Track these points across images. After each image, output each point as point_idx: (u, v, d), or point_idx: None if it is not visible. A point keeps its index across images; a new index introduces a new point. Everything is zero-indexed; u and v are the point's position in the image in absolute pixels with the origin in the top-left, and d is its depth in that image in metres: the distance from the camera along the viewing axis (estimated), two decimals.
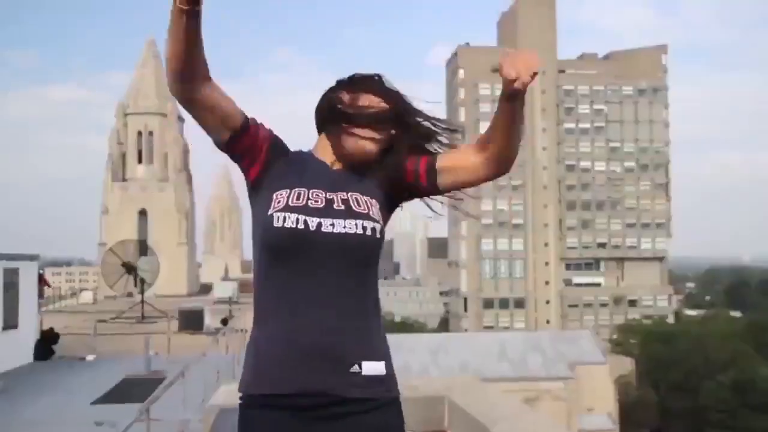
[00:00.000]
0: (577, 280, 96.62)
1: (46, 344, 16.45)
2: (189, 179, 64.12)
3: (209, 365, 10.00)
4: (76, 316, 24.57)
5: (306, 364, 1.76)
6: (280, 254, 1.81)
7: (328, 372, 1.76)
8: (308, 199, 1.83)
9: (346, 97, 1.96)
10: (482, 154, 1.88)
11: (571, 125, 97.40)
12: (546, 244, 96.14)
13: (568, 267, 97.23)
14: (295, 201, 1.82)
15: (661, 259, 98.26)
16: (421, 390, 5.49)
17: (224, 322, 22.32)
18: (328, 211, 1.82)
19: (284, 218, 1.79)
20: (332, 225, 1.80)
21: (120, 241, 30.52)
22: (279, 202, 1.82)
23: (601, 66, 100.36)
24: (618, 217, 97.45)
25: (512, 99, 1.75)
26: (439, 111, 2.03)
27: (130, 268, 27.25)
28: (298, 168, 1.91)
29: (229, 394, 4.95)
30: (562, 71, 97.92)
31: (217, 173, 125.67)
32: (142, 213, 60.43)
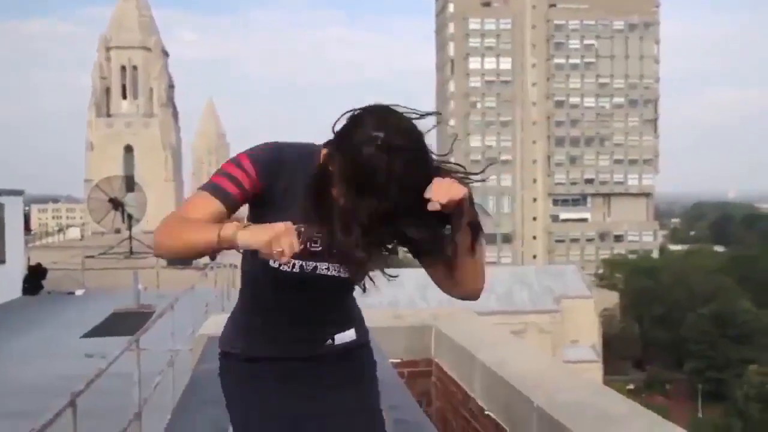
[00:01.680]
0: (564, 215, 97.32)
1: (35, 279, 16.46)
2: (175, 115, 63.45)
3: (198, 298, 10.03)
4: (64, 252, 24.55)
5: (287, 343, 1.93)
6: (274, 282, 1.88)
7: (305, 348, 1.93)
8: (309, 241, 1.81)
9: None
10: (452, 287, 1.83)
11: (561, 61, 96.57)
12: (534, 180, 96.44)
13: (555, 203, 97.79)
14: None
15: (647, 195, 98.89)
16: (408, 320, 5.53)
17: (212, 257, 22.32)
18: (324, 254, 1.83)
19: (279, 266, 1.84)
20: (327, 269, 1.85)
21: (106, 177, 30.28)
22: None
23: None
24: (606, 153, 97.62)
25: (457, 217, 1.69)
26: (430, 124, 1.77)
27: (117, 204, 27.13)
28: (297, 192, 1.79)
29: (217, 324, 4.96)
30: (553, 5, 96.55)
31: (203, 109, 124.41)
32: (128, 149, 59.95)
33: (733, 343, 56.65)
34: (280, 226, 1.52)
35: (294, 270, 1.82)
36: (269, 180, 1.74)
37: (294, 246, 1.51)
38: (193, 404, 3.19)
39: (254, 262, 1.82)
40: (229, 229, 1.56)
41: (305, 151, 1.78)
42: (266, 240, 1.51)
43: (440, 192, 1.60)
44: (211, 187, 1.71)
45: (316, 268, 1.83)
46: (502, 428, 3.77)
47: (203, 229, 1.60)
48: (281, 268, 1.82)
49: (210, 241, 1.57)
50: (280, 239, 1.51)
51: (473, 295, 1.84)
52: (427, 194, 1.60)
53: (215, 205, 1.69)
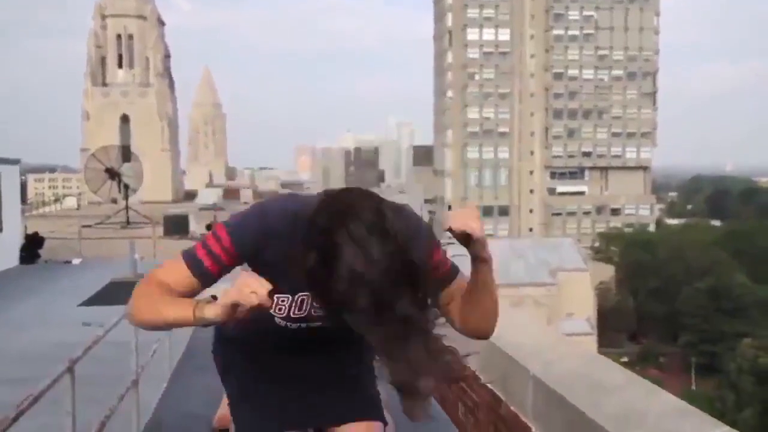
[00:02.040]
0: (561, 188, 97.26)
1: (32, 248, 16.46)
2: (171, 85, 63.03)
3: None
4: (61, 221, 24.51)
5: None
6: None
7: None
8: (311, 307, 1.86)
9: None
10: (462, 326, 1.84)
11: (560, 32, 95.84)
12: (531, 153, 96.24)
13: (552, 176, 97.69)
14: (297, 312, 1.87)
15: (645, 168, 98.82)
16: None
17: (209, 227, 22.32)
18: (326, 318, 1.84)
19: (286, 325, 1.91)
20: (327, 329, 1.88)
21: (102, 146, 30.14)
22: (281, 310, 1.89)
23: None
24: (604, 126, 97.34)
25: (474, 250, 1.72)
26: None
27: (113, 174, 27.05)
28: (284, 260, 1.76)
29: (214, 292, 4.96)
30: None
31: (199, 80, 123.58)
32: (124, 119, 59.64)
33: (727, 316, 57.02)
34: (240, 286, 1.53)
35: (296, 329, 1.89)
36: (251, 252, 1.76)
37: (261, 293, 1.51)
38: (189, 370, 3.20)
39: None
40: (201, 309, 1.58)
41: (289, 217, 1.73)
42: (234, 295, 1.52)
43: (457, 221, 1.65)
44: (191, 258, 1.74)
45: (319, 327, 1.89)
46: (498, 398, 3.79)
47: (179, 306, 1.63)
48: (287, 326, 1.89)
49: (186, 319, 1.61)
50: (245, 297, 1.52)
51: (486, 333, 1.88)
52: (445, 225, 1.66)
53: (189, 280, 1.72)
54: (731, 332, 54.52)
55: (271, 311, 1.87)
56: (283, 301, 1.85)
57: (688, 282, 61.02)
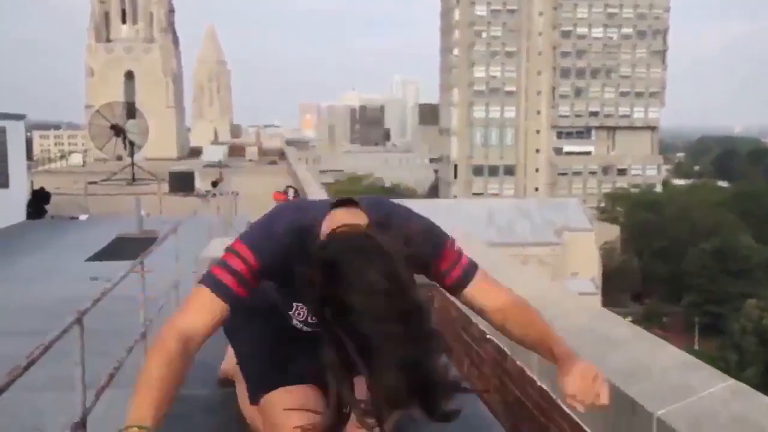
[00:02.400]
0: (567, 148, 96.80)
1: (38, 203, 16.50)
2: (175, 41, 62.50)
3: (201, 224, 10.07)
4: (67, 178, 24.53)
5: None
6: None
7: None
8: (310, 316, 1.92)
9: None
10: (498, 324, 1.86)
11: None
12: (538, 112, 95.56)
13: (559, 135, 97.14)
14: (313, 319, 1.84)
15: (653, 128, 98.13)
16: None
17: (214, 184, 22.35)
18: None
19: (302, 327, 1.96)
20: None
21: (107, 102, 30.02)
22: (300, 315, 1.92)
23: None
24: (612, 86, 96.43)
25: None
26: None
27: (118, 131, 26.99)
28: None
29: (221, 247, 4.98)
30: None
31: (203, 36, 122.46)
32: (129, 75, 59.27)
33: (732, 277, 57.09)
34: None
35: (311, 331, 1.90)
36: (271, 266, 1.70)
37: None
38: None
39: (285, 312, 1.93)
40: None
41: (300, 232, 1.69)
42: None
43: (585, 395, 1.59)
44: (213, 283, 1.65)
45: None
46: (504, 352, 3.82)
47: (139, 396, 1.51)
48: (303, 329, 1.94)
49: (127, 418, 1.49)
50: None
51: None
52: (569, 390, 1.59)
53: (219, 307, 1.65)
54: (736, 293, 54.63)
55: (290, 313, 1.91)
56: (302, 308, 1.89)
57: (693, 243, 61.00)
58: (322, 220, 1.69)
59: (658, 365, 2.49)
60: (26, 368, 2.52)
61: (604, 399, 1.59)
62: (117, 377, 4.05)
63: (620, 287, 63.61)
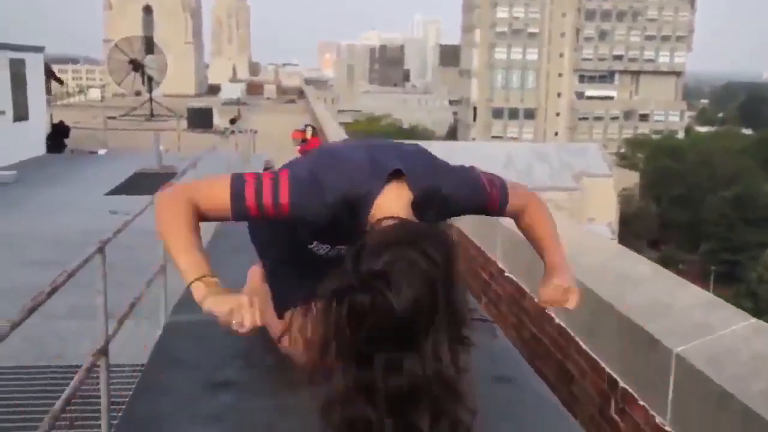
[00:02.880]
0: (589, 92, 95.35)
1: (58, 137, 16.57)
2: None
3: (220, 160, 10.09)
4: (85, 112, 24.54)
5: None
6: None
7: None
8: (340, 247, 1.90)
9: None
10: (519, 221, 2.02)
11: None
12: (561, 55, 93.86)
13: (581, 79, 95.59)
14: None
15: (678, 73, 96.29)
16: None
17: (232, 121, 22.32)
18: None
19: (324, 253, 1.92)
20: None
21: (125, 37, 29.80)
22: (320, 251, 1.92)
23: None
24: (638, 29, 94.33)
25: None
26: None
27: (137, 66, 26.87)
28: (333, 235, 1.80)
29: None
30: None
31: None
32: (147, 9, 58.69)
33: (751, 226, 56.66)
34: (243, 300, 1.50)
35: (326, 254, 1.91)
36: (300, 221, 1.71)
37: (255, 318, 1.48)
38: (219, 251, 3.24)
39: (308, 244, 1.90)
40: (200, 290, 1.53)
41: (351, 204, 1.64)
42: (226, 311, 1.49)
43: (555, 303, 1.85)
44: (237, 187, 1.63)
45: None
46: (522, 290, 3.82)
47: (188, 263, 1.57)
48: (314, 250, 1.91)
49: (183, 275, 1.57)
50: (241, 311, 1.49)
51: None
52: (541, 297, 1.86)
53: (223, 204, 1.64)
54: (754, 242, 54.33)
55: (310, 246, 1.92)
56: (321, 246, 1.91)
57: (713, 190, 60.43)
58: (376, 195, 1.62)
59: (679, 303, 2.48)
60: (50, 295, 2.55)
61: (571, 304, 1.81)
62: (137, 308, 4.12)
63: (637, 234, 63.39)
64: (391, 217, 1.51)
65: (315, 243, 1.90)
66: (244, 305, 1.49)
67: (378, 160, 1.67)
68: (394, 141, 1.92)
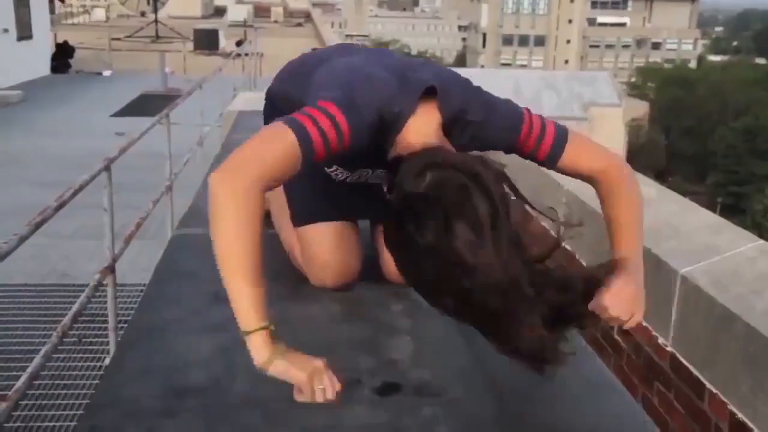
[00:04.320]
0: (601, 19, 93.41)
1: (63, 57, 16.36)
2: None
3: (226, 81, 9.99)
4: (90, 33, 24.15)
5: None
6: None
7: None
8: (368, 177, 1.87)
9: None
10: (600, 194, 1.70)
11: None
12: None
13: (593, 5, 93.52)
14: (353, 179, 1.89)
15: (693, 0, 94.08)
16: None
17: (239, 44, 21.98)
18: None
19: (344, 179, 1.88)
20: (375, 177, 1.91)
21: None
22: (337, 175, 1.87)
23: None
24: None
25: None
26: None
27: None
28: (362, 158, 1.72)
29: (247, 101, 4.95)
30: None
31: None
32: None
33: (759, 158, 56.29)
34: (319, 365, 1.29)
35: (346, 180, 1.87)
36: (358, 143, 1.48)
37: (335, 385, 1.28)
38: None
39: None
40: (261, 350, 1.26)
41: (383, 121, 1.49)
42: (303, 381, 1.26)
43: (620, 312, 1.44)
44: (301, 133, 1.39)
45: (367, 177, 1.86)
46: (528, 215, 3.81)
47: (252, 289, 1.28)
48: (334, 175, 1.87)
49: (237, 312, 1.28)
50: (322, 379, 1.27)
51: None
52: (602, 310, 1.43)
53: (295, 165, 1.39)
54: (762, 174, 54.07)
55: (328, 170, 1.87)
56: (342, 171, 1.85)
57: (723, 122, 59.80)
58: (408, 115, 1.49)
59: (686, 225, 2.47)
60: (56, 210, 2.55)
61: (632, 323, 1.48)
62: (144, 228, 4.14)
63: (645, 164, 63.06)
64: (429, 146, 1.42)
65: (335, 167, 1.86)
66: (321, 371, 1.29)
67: (408, 77, 1.54)
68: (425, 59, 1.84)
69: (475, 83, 1.68)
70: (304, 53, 2.03)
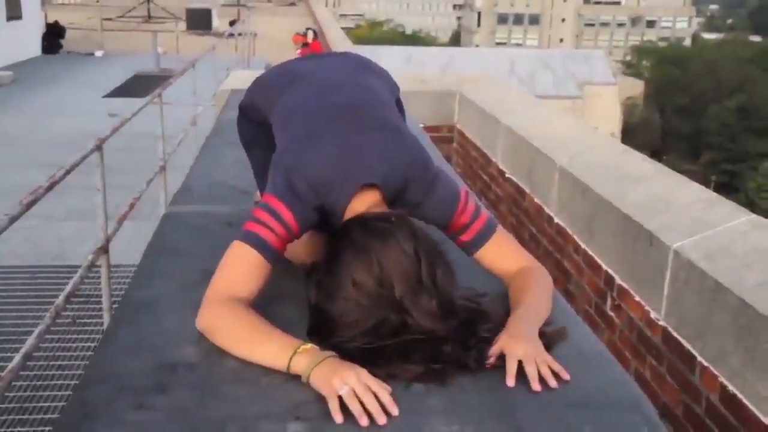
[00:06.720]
0: None
1: (53, 38, 16.23)
2: None
3: (219, 61, 9.93)
4: (80, 12, 23.95)
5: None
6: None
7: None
8: None
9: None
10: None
11: None
12: None
13: None
14: None
15: None
16: (433, 85, 5.44)
17: (232, 23, 21.82)
18: None
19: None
20: None
21: None
22: None
23: None
24: None
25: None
26: None
27: None
28: None
29: (240, 79, 4.92)
30: None
31: None
32: None
33: (754, 136, 56.35)
34: (360, 370, 1.32)
35: None
36: (307, 227, 1.64)
37: (386, 388, 1.31)
38: (217, 144, 3.21)
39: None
40: (301, 363, 1.34)
41: (323, 204, 1.61)
42: (354, 381, 1.29)
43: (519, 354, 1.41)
44: (255, 242, 1.52)
45: None
46: (522, 190, 3.81)
47: (272, 345, 1.39)
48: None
49: (278, 366, 1.37)
50: (369, 380, 1.30)
51: None
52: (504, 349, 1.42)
53: (266, 270, 1.54)
54: (756, 153, 54.16)
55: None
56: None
57: (717, 100, 59.76)
58: (346, 204, 1.60)
59: (679, 200, 2.47)
60: (47, 190, 2.53)
61: (508, 378, 1.38)
62: (138, 209, 4.12)
63: (639, 143, 63.03)
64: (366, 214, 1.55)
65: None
66: (365, 374, 1.32)
67: (350, 166, 1.61)
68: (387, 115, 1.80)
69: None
70: (268, 69, 2.22)
